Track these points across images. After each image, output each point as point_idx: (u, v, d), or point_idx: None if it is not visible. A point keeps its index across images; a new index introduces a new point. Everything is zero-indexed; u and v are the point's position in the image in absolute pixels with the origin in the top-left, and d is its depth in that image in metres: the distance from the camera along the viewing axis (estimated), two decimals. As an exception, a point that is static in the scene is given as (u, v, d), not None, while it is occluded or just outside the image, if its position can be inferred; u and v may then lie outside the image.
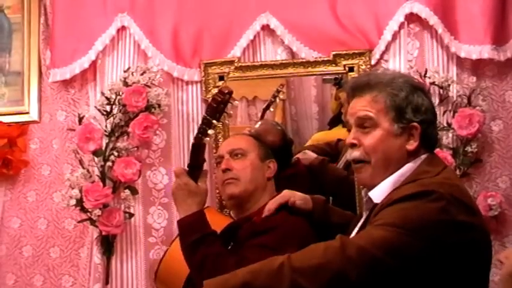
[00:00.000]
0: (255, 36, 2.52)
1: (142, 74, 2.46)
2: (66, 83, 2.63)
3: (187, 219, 1.80)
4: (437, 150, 2.20)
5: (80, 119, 2.48)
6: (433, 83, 2.38)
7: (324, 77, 2.72)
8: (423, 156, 1.59)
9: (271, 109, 2.83)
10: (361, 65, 2.43)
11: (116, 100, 2.46)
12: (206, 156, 1.97)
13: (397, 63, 2.43)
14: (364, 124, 1.59)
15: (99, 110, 2.48)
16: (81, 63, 2.56)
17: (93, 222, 2.42)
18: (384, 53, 2.44)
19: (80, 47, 2.56)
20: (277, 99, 2.82)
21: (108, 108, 2.47)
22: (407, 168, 1.57)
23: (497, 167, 2.45)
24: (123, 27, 2.55)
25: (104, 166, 2.44)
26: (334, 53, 2.44)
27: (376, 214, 1.48)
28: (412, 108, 1.58)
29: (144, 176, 2.48)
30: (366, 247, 1.37)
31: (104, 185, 2.42)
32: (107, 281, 2.45)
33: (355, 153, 1.60)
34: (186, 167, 1.88)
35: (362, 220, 1.63)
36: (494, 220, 2.35)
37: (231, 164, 1.98)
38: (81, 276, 2.53)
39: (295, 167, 2.54)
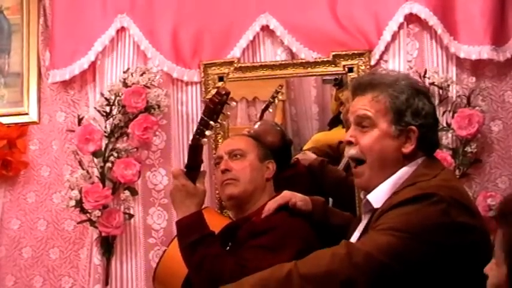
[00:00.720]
0: (254, 37, 2.52)
1: (141, 75, 2.46)
2: (66, 84, 2.63)
3: (186, 220, 1.80)
4: (436, 151, 2.21)
5: (80, 120, 2.48)
6: (432, 84, 2.38)
7: (324, 78, 2.72)
8: (421, 159, 1.59)
9: (270, 110, 2.83)
10: (361, 66, 2.43)
11: (116, 101, 2.45)
12: (205, 157, 1.98)
13: (397, 64, 2.43)
14: (363, 123, 1.60)
15: (98, 111, 2.48)
16: (80, 64, 2.56)
17: (92, 223, 2.42)
18: (383, 53, 2.44)
19: (79, 48, 2.56)
20: (276, 100, 2.82)
21: (107, 109, 2.46)
22: (405, 171, 1.58)
23: (497, 167, 2.45)
24: (123, 28, 2.55)
25: (104, 167, 2.44)
26: (333, 53, 2.44)
27: (378, 219, 1.48)
28: (412, 111, 1.58)
29: (143, 177, 2.48)
30: (373, 253, 1.38)
31: (104, 186, 2.42)
32: (106, 282, 2.45)
33: (351, 151, 1.62)
34: (183, 168, 1.88)
35: (363, 224, 1.63)
36: (494, 220, 2.33)
37: (230, 164, 1.98)
38: (81, 277, 2.53)
39: (294, 168, 2.54)
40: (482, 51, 2.38)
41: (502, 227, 1.15)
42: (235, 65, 2.49)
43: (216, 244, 1.78)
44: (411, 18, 2.43)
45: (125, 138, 2.47)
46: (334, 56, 2.44)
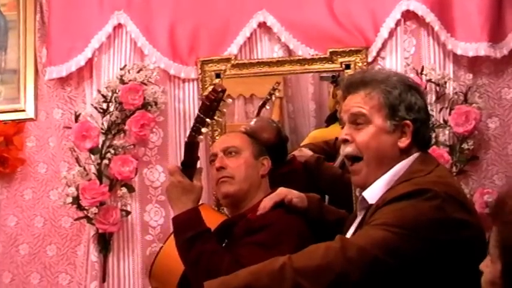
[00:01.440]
0: (251, 34, 2.52)
1: (138, 72, 2.46)
2: (63, 81, 2.62)
3: (182, 216, 1.79)
4: (433, 147, 2.22)
5: (77, 117, 2.48)
6: (429, 80, 2.38)
7: (321, 75, 2.71)
8: (416, 155, 1.60)
9: (267, 107, 2.83)
10: (358, 63, 2.43)
11: (113, 98, 2.45)
12: (202, 154, 1.97)
13: (394, 61, 2.43)
14: (357, 120, 1.60)
15: (95, 107, 2.47)
16: (77, 61, 2.56)
17: (89, 220, 2.42)
18: (380, 50, 2.44)
19: (76, 44, 2.56)
20: (273, 97, 2.82)
21: (104, 106, 2.46)
22: (400, 167, 1.58)
23: (494, 164, 2.45)
24: (120, 25, 2.54)
25: (101, 164, 2.44)
26: (330, 50, 2.44)
27: (372, 214, 1.48)
28: (405, 106, 1.59)
29: (140, 174, 2.48)
30: (366, 248, 1.38)
31: (101, 183, 2.42)
32: (103, 278, 2.45)
33: (347, 149, 1.62)
34: (179, 165, 1.87)
35: (357, 220, 1.63)
36: (491, 218, 2.35)
37: (225, 162, 1.97)
38: (78, 274, 2.53)
39: (290, 165, 2.54)
40: (479, 48, 2.38)
41: (496, 224, 1.16)
42: (233, 61, 2.49)
43: (212, 240, 1.78)
44: (408, 15, 2.43)
45: (122, 135, 2.46)
46: (331, 52, 2.44)
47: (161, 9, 2.54)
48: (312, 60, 2.47)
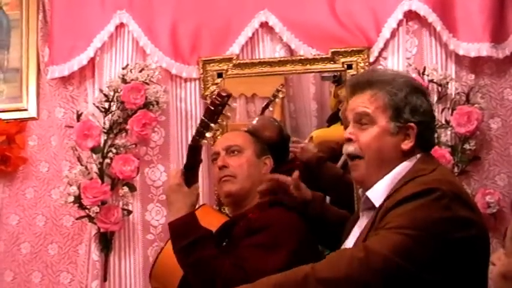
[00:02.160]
0: (253, 34, 2.52)
1: (140, 71, 2.46)
2: (65, 80, 2.63)
3: (178, 221, 1.79)
4: (435, 148, 2.21)
5: (78, 116, 2.48)
6: (431, 81, 2.38)
7: (323, 75, 2.71)
8: (418, 156, 1.60)
9: (271, 108, 2.83)
10: (360, 63, 2.42)
11: (114, 97, 2.45)
12: (204, 153, 1.97)
13: (396, 61, 2.42)
14: (362, 120, 1.61)
15: (97, 107, 2.48)
16: (79, 60, 2.56)
17: (91, 219, 2.42)
18: (382, 50, 2.44)
19: (78, 44, 2.56)
20: (277, 99, 2.82)
21: (106, 105, 2.47)
22: (403, 167, 1.59)
23: (496, 164, 2.44)
24: (122, 24, 2.55)
25: (102, 163, 2.44)
26: (332, 50, 2.44)
27: (384, 216, 1.48)
28: (410, 108, 1.59)
29: (142, 173, 2.48)
30: (390, 257, 1.39)
31: (102, 182, 2.42)
32: (105, 278, 2.46)
33: (350, 148, 1.62)
34: (182, 168, 1.87)
35: (363, 221, 1.62)
36: (493, 218, 2.34)
37: (227, 161, 1.97)
38: (79, 273, 2.54)
39: (291, 163, 2.53)
40: (481, 48, 2.38)
41: None
42: (234, 61, 2.49)
43: (209, 245, 1.76)
44: (410, 15, 2.42)
45: (124, 134, 2.47)
46: (333, 52, 2.44)
47: (163, 9, 2.54)
48: (314, 60, 2.47)
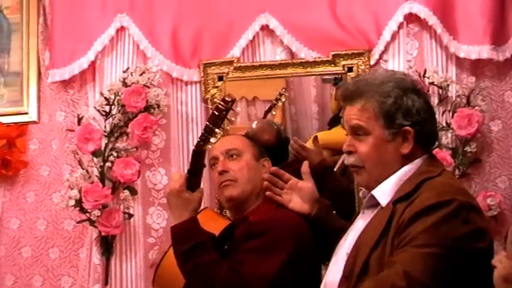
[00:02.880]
0: (254, 37, 2.52)
1: (141, 75, 2.46)
2: (65, 84, 2.63)
3: (180, 226, 1.79)
4: (436, 150, 2.22)
5: (79, 120, 2.48)
6: (432, 83, 2.38)
7: (324, 77, 2.71)
8: (424, 157, 1.62)
9: (273, 112, 2.83)
10: (360, 65, 2.43)
11: (115, 100, 2.45)
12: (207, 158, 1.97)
13: (396, 64, 2.43)
14: (357, 132, 1.63)
15: (98, 110, 2.48)
16: (80, 64, 2.56)
17: (92, 222, 2.42)
18: (383, 53, 2.44)
19: (79, 47, 2.56)
20: (280, 102, 2.82)
21: (107, 108, 2.47)
22: (409, 168, 1.60)
23: (497, 167, 2.45)
24: (122, 28, 2.55)
25: (103, 167, 2.44)
26: (333, 53, 2.44)
27: (404, 228, 1.49)
28: (402, 112, 1.59)
29: (143, 177, 2.48)
30: (431, 285, 1.41)
31: (103, 186, 2.42)
32: (106, 281, 2.45)
33: (350, 160, 1.65)
34: (186, 173, 1.87)
35: (367, 217, 1.62)
36: (494, 220, 2.34)
37: (227, 165, 1.96)
38: (81, 277, 2.53)
39: (292, 166, 2.53)
40: (481, 50, 2.38)
41: None
42: (235, 64, 2.49)
43: (209, 251, 1.76)
44: (411, 18, 2.43)
45: (125, 137, 2.47)
46: (333, 55, 2.44)
47: (164, 12, 2.54)
48: (315, 63, 2.47)
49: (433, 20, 2.38)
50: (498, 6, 2.40)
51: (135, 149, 2.47)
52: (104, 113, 2.47)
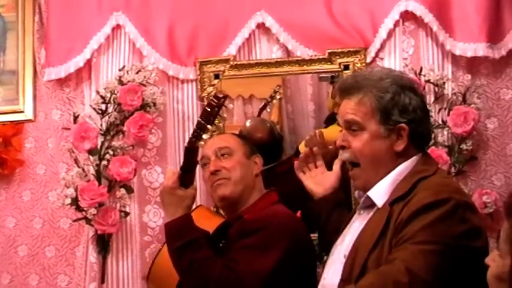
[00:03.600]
0: (250, 35, 2.52)
1: (137, 73, 2.46)
2: (61, 82, 2.62)
3: (173, 223, 1.79)
4: (432, 148, 2.22)
5: (75, 118, 2.48)
6: (428, 81, 2.39)
7: (320, 75, 2.71)
8: (419, 155, 1.61)
9: (268, 109, 2.83)
10: (357, 63, 2.43)
11: (111, 99, 2.45)
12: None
13: (392, 61, 2.43)
14: (352, 127, 1.62)
15: (94, 108, 2.47)
16: (76, 62, 2.56)
17: (88, 221, 2.42)
18: (379, 51, 2.44)
19: (74, 45, 2.56)
20: (274, 100, 2.82)
21: (103, 107, 2.46)
22: (404, 167, 1.60)
23: (493, 164, 2.45)
24: (118, 26, 2.54)
25: (99, 165, 2.44)
26: (329, 51, 2.44)
27: (402, 227, 1.49)
28: (399, 109, 1.59)
29: (139, 175, 2.48)
30: (432, 282, 1.41)
31: (100, 184, 2.42)
32: (102, 280, 2.45)
33: (345, 155, 1.65)
34: (179, 170, 1.87)
35: (363, 219, 1.62)
36: (489, 218, 2.35)
37: (219, 164, 1.95)
38: (77, 275, 2.53)
39: (288, 164, 2.53)
40: (477, 48, 2.38)
41: (509, 220, 1.17)
42: (231, 62, 2.49)
43: (203, 247, 1.77)
44: (407, 16, 2.43)
45: (121, 136, 2.46)
46: (329, 53, 2.45)
47: (160, 10, 2.54)
48: (311, 61, 2.47)
49: (429, 18, 2.39)
50: (494, 4, 2.40)
51: (131, 147, 2.46)
52: (100, 111, 2.47)
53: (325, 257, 1.98)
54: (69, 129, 2.50)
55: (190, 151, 1.85)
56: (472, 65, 2.45)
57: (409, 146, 1.60)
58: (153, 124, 2.46)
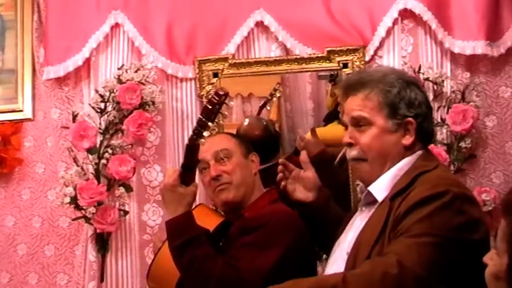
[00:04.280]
0: (249, 33, 2.52)
1: (136, 71, 2.46)
2: (60, 81, 2.62)
3: (175, 220, 1.79)
4: (431, 146, 2.22)
5: (74, 117, 2.48)
6: (427, 79, 2.39)
7: (319, 74, 2.71)
8: (419, 152, 1.62)
9: (268, 107, 2.84)
10: (355, 61, 2.43)
11: (110, 97, 2.45)
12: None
13: (391, 59, 2.43)
14: (359, 123, 1.62)
15: (93, 107, 2.47)
16: (75, 61, 2.56)
17: (87, 220, 2.42)
18: (378, 49, 2.44)
19: (73, 44, 2.56)
20: (274, 98, 2.82)
21: (102, 105, 2.46)
22: (405, 162, 1.60)
23: (491, 162, 2.45)
24: (117, 25, 2.54)
25: (99, 164, 2.44)
26: (328, 49, 2.44)
27: (399, 221, 1.48)
28: (406, 103, 1.60)
29: (138, 174, 2.48)
30: (424, 276, 1.40)
31: (99, 183, 2.42)
32: (102, 278, 2.45)
33: (352, 153, 1.64)
34: (180, 168, 1.87)
35: (365, 215, 1.62)
36: (489, 215, 2.34)
37: (219, 169, 1.95)
38: (76, 274, 2.53)
39: (292, 159, 2.54)
40: (476, 46, 2.38)
41: (506, 218, 1.17)
42: (230, 61, 2.49)
43: (204, 245, 1.76)
44: (405, 14, 2.43)
45: (120, 134, 2.46)
46: (328, 51, 2.45)
47: (158, 9, 2.54)
48: (310, 59, 2.47)
49: (427, 16, 2.39)
50: (492, 2, 2.40)
51: (130, 146, 2.46)
52: (98, 110, 2.46)
53: (324, 256, 1.99)
54: (68, 128, 2.50)
55: (191, 149, 1.85)
56: (471, 63, 2.45)
57: (416, 140, 1.61)
58: (152, 123, 2.46)
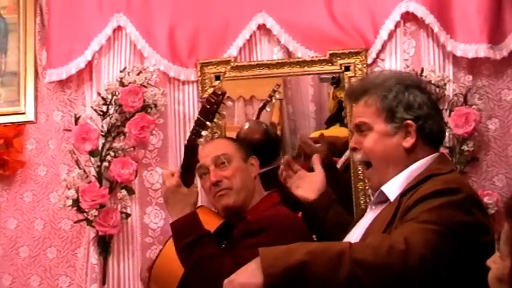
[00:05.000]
0: (251, 36, 2.52)
1: (138, 74, 2.46)
2: (63, 83, 2.62)
3: (181, 221, 1.79)
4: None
5: (76, 119, 2.48)
6: (429, 82, 2.38)
7: (321, 76, 2.72)
8: (434, 155, 1.64)
9: (268, 109, 2.84)
10: (358, 64, 2.43)
11: (112, 100, 2.45)
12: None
13: (393, 63, 2.43)
14: (361, 129, 1.68)
15: (95, 110, 2.47)
16: (77, 64, 2.56)
17: (89, 222, 2.42)
18: (380, 52, 2.44)
19: (76, 47, 2.56)
20: (273, 99, 2.83)
21: (104, 108, 2.46)
22: (420, 164, 1.62)
23: (494, 165, 2.44)
24: (119, 28, 2.54)
25: (101, 166, 2.44)
26: (330, 52, 2.44)
27: (406, 211, 1.50)
28: (403, 106, 1.63)
29: (140, 176, 2.48)
30: (428, 257, 1.40)
31: (101, 185, 2.42)
32: (103, 281, 2.45)
33: (357, 156, 1.71)
34: (179, 169, 1.87)
35: (375, 213, 1.63)
36: (491, 219, 2.35)
37: (219, 174, 1.95)
38: (78, 277, 2.53)
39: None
40: (478, 49, 2.38)
41: (509, 221, 1.17)
42: (232, 63, 2.49)
43: (212, 244, 1.78)
44: (408, 17, 2.42)
45: (122, 137, 2.46)
46: (330, 54, 2.45)
47: (161, 12, 2.54)
48: (312, 62, 2.47)
49: (430, 19, 2.38)
50: (495, 5, 2.40)
51: (132, 149, 2.46)
52: (101, 113, 2.47)
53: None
54: (70, 130, 2.50)
55: (190, 149, 1.85)
56: (473, 66, 2.45)
57: (420, 143, 1.63)
58: (154, 125, 2.46)
